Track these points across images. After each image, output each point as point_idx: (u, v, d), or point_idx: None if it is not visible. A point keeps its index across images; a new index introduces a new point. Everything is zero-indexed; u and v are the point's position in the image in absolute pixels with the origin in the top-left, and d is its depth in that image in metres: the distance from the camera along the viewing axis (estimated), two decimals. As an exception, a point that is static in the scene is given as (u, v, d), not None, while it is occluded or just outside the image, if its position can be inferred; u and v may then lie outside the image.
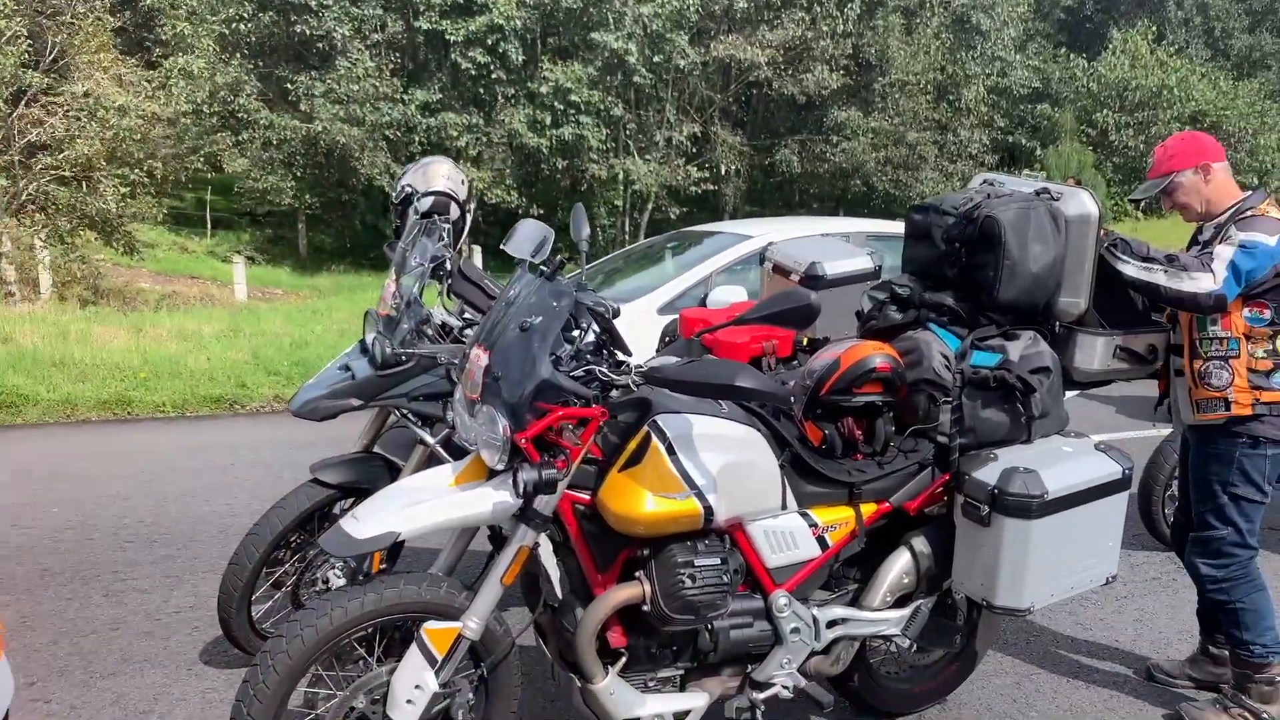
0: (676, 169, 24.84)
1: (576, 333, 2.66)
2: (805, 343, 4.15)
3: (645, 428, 2.61)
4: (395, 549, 3.53)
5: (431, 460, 3.63)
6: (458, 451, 3.49)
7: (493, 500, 2.51)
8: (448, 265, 3.74)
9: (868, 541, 3.03)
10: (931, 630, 3.11)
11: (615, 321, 2.75)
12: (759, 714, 2.93)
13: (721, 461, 2.65)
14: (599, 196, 24.25)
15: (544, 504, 2.52)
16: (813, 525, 2.90)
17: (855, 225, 7.48)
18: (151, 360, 9.68)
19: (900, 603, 3.07)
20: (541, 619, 2.88)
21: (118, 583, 4.53)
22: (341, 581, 3.67)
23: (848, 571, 3.13)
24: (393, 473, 3.69)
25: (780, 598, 2.87)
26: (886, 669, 3.45)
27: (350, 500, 3.70)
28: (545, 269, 2.58)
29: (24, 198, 14.28)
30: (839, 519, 2.94)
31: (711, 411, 2.72)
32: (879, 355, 2.90)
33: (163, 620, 4.14)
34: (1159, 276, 3.18)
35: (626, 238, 24.93)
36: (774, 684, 2.92)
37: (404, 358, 3.47)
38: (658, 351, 4.50)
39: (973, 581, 2.98)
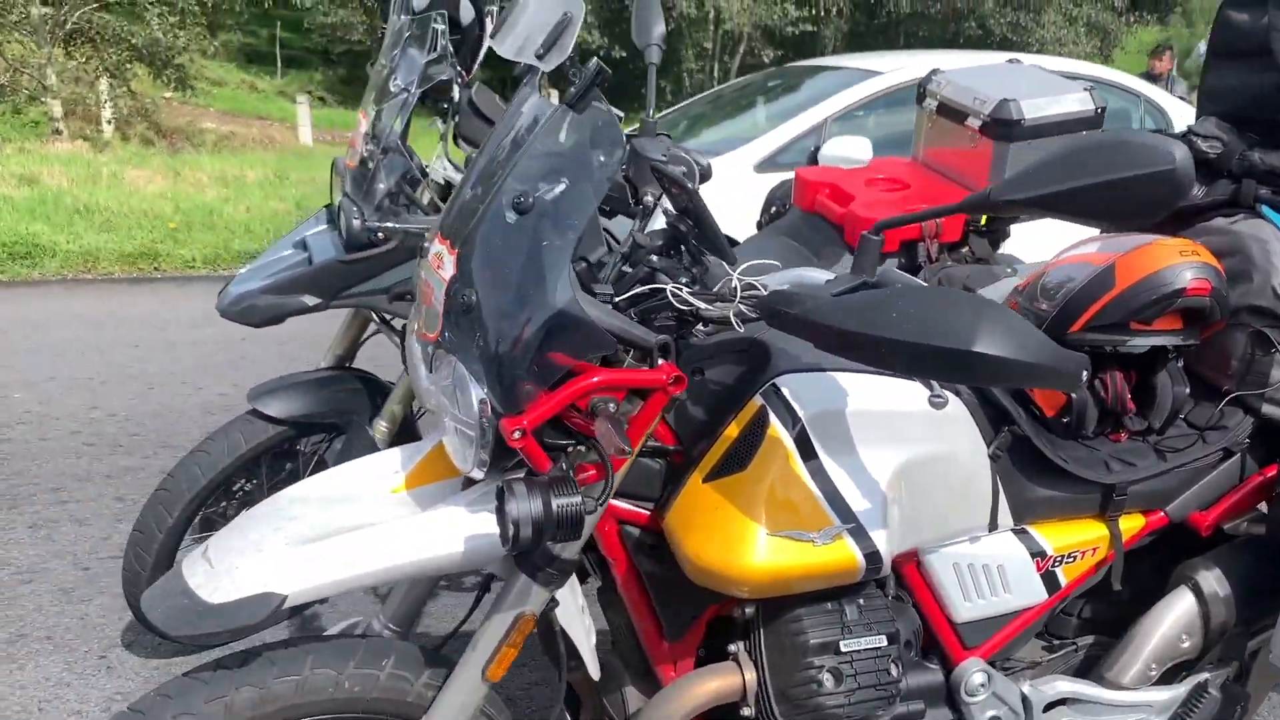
0: (773, 6, 22.79)
1: (624, 220, 1.41)
2: (984, 221, 2.83)
3: (756, 399, 1.39)
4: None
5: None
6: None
7: (466, 532, 1.33)
8: (455, 94, 2.47)
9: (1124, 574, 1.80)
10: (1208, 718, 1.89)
11: (705, 190, 1.49)
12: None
13: (898, 463, 1.44)
14: (687, 38, 22.48)
15: (565, 545, 1.33)
16: (1037, 553, 1.69)
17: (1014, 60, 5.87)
18: (185, 209, 8.77)
19: (1168, 676, 1.85)
20: (575, 678, 1.74)
21: (54, 506, 3.53)
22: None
23: (1081, 617, 1.91)
24: (375, 400, 2.54)
25: (974, 673, 1.68)
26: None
27: (320, 437, 2.57)
28: (571, 84, 1.27)
29: (69, 26, 13.14)
30: (1083, 541, 1.73)
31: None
32: (1188, 265, 1.61)
33: (91, 571, 3.12)
34: None
35: (715, 84, 23.20)
36: (950, 801, 1.76)
37: (381, 235, 2.27)
38: (759, 226, 3.21)
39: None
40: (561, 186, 1.23)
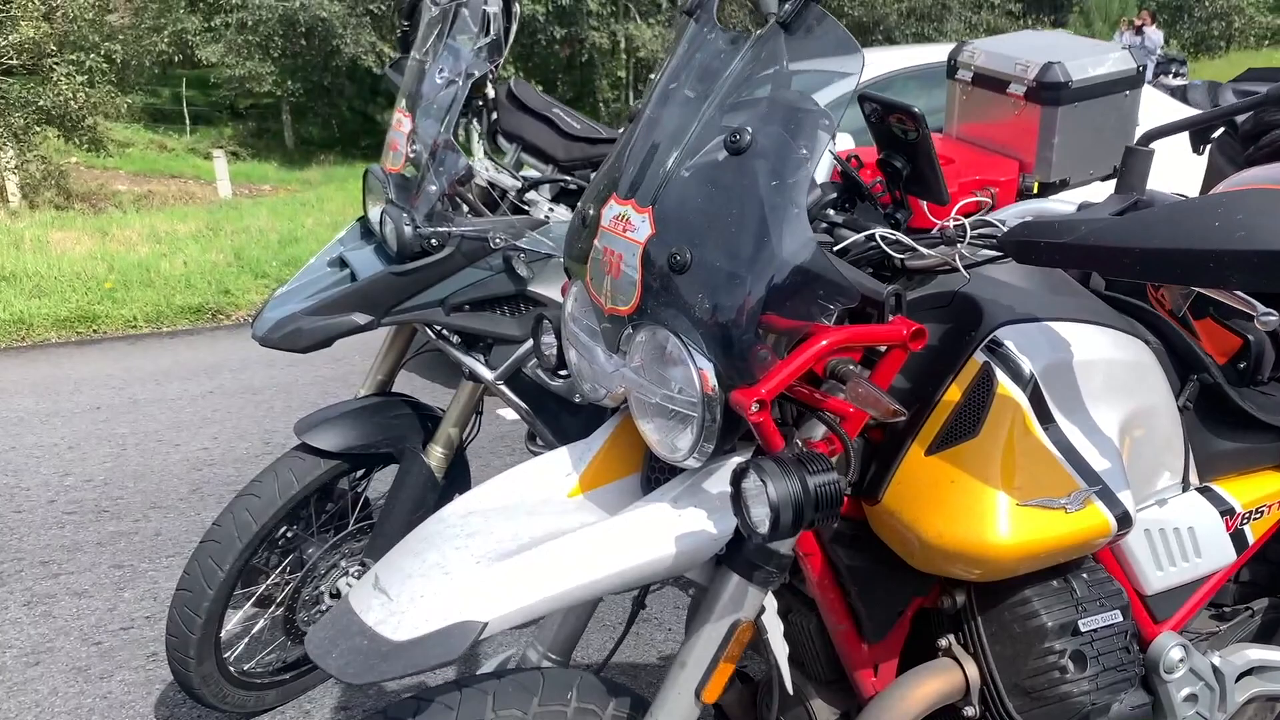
0: (685, 31, 22.97)
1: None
2: (1035, 188, 2.73)
3: (977, 356, 1.24)
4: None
5: (484, 405, 2.28)
6: (535, 394, 2.14)
7: (675, 532, 1.15)
8: (489, 90, 2.31)
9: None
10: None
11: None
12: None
13: (1121, 417, 1.31)
14: (600, 69, 22.57)
15: (781, 541, 1.16)
16: (1226, 511, 1.56)
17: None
18: (120, 267, 8.37)
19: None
20: (728, 701, 1.57)
21: (46, 581, 3.23)
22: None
23: (1250, 577, 1.79)
24: (425, 426, 2.34)
25: (1172, 648, 1.55)
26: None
27: (361, 473, 2.37)
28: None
29: (-32, 93, 12.62)
30: (1268, 494, 1.62)
31: (1076, 312, 1.34)
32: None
33: (104, 646, 2.84)
34: None
35: (634, 111, 23.34)
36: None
37: (435, 241, 2.09)
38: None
39: None
40: (782, 116, 1.07)
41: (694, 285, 1.08)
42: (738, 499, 1.06)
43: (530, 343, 2.19)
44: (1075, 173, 2.39)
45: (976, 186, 2.20)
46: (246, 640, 2.45)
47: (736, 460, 1.18)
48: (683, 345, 1.09)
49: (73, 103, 13.27)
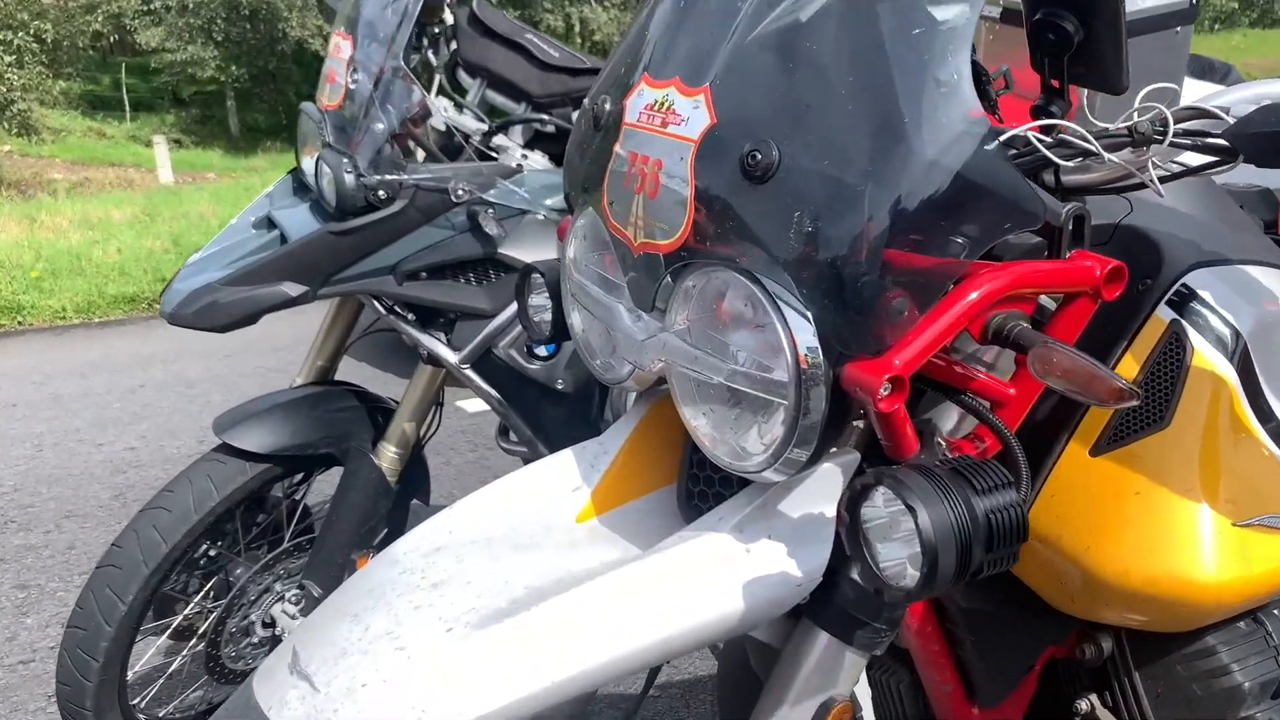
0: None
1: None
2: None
3: (1160, 312, 0.87)
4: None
5: (446, 395, 1.90)
6: (508, 380, 1.77)
7: (743, 577, 0.77)
8: (447, 14, 1.91)
9: None
10: None
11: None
12: None
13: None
14: (557, 53, 22.30)
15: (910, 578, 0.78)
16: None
17: None
18: (48, 255, 7.87)
19: None
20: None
21: (-61, 605, 2.78)
22: (295, 620, 1.99)
23: None
24: (375, 420, 1.95)
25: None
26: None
27: (299, 478, 1.98)
28: None
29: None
30: None
31: (1267, 254, 0.98)
32: None
33: (2, 684, 2.40)
34: None
35: (591, 94, 23.21)
36: None
37: (384, 193, 1.69)
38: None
39: None
40: None
41: (783, 200, 0.70)
42: (855, 532, 0.68)
43: (501, 317, 1.80)
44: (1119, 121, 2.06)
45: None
46: (163, 679, 2.04)
47: (827, 469, 0.80)
48: (764, 294, 0.71)
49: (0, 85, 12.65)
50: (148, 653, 1.98)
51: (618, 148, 0.83)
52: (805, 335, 0.70)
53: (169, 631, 1.97)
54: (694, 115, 0.75)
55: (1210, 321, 0.87)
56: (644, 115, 0.79)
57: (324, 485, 2.09)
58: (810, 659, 0.83)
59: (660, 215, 0.78)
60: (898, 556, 0.67)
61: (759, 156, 0.70)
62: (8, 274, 7.30)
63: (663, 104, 0.78)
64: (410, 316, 1.87)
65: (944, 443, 0.75)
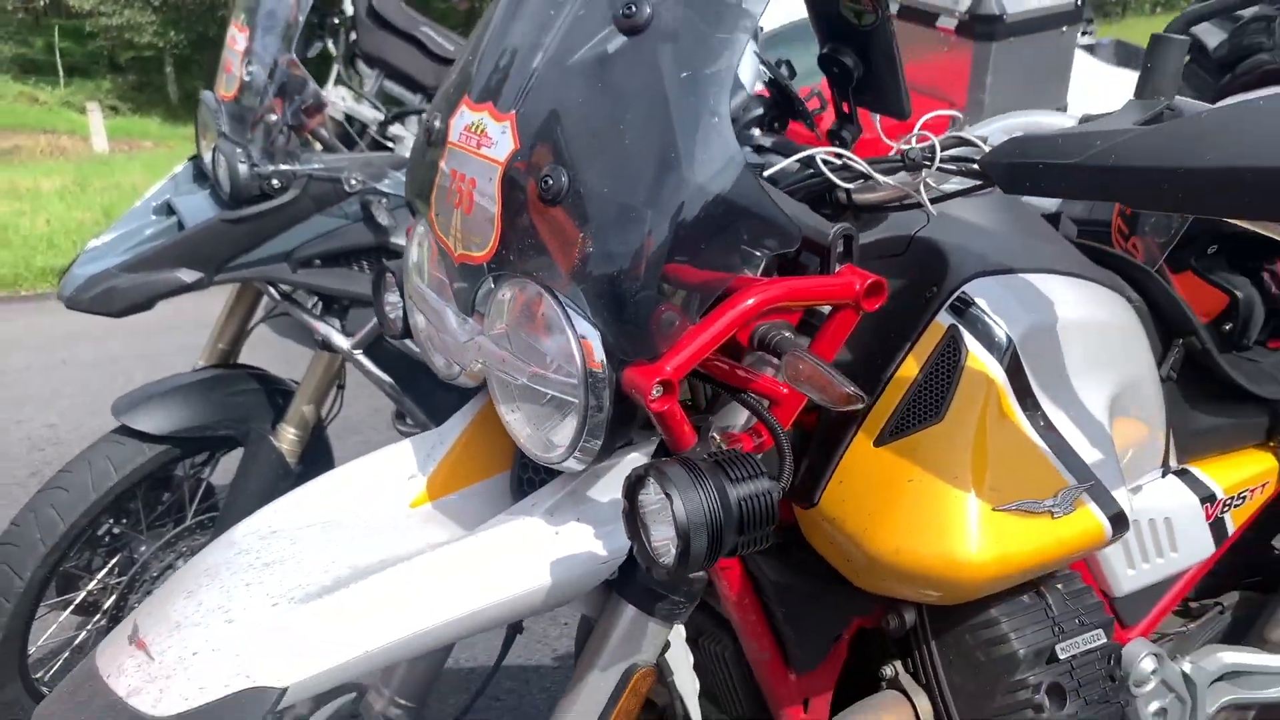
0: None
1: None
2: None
3: (940, 318, 0.97)
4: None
5: (344, 378, 1.97)
6: (401, 366, 1.83)
7: (550, 556, 0.86)
8: (346, 5, 1.96)
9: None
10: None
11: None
12: None
13: (1109, 394, 1.05)
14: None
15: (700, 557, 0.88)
16: (1206, 498, 1.34)
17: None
18: (-29, 226, 7.73)
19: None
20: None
21: None
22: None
23: (1215, 574, 1.58)
24: (275, 402, 2.01)
25: (1144, 659, 1.31)
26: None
27: (204, 457, 2.03)
28: None
29: None
30: (1250, 477, 1.41)
31: (1063, 262, 1.08)
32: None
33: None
34: None
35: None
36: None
37: (277, 182, 1.75)
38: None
39: None
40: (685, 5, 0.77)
41: (572, 221, 0.78)
42: (633, 516, 0.77)
43: (395, 304, 1.87)
44: (1016, 106, 2.18)
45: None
46: (69, 653, 2.09)
47: (633, 458, 0.89)
48: (558, 305, 0.79)
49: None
50: (51, 628, 2.03)
51: (442, 164, 0.90)
52: (593, 343, 0.79)
53: (73, 607, 2.02)
54: (501, 140, 0.82)
55: (984, 326, 0.97)
56: (464, 136, 0.87)
57: (230, 463, 2.15)
58: (618, 629, 0.92)
59: (474, 229, 0.85)
60: (665, 537, 0.75)
61: (550, 182, 0.78)
62: (-70, 246, 7.19)
63: (478, 127, 0.85)
64: (311, 302, 1.93)
65: (717, 437, 0.84)
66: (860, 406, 0.78)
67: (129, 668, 0.80)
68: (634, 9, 0.76)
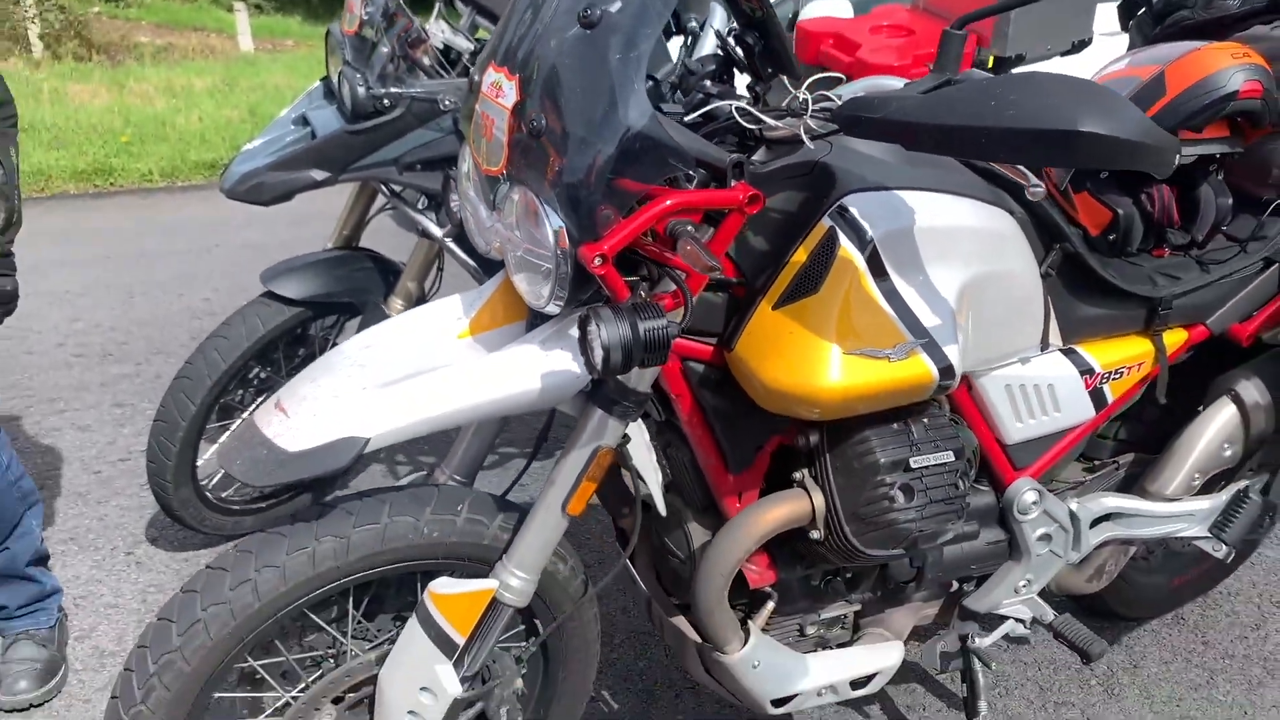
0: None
1: (680, 36, 1.37)
2: (990, 63, 2.80)
3: (824, 221, 1.37)
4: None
5: (442, 261, 2.44)
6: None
7: (542, 369, 1.31)
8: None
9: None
10: (1246, 525, 1.94)
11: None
12: (978, 664, 1.84)
13: (962, 280, 1.44)
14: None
15: (640, 377, 1.33)
16: (1086, 371, 1.70)
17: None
18: (136, 121, 8.46)
19: (1208, 486, 1.90)
20: (625, 523, 1.76)
21: (52, 416, 3.46)
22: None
23: (1122, 435, 1.94)
24: (387, 279, 2.50)
25: (1026, 492, 1.72)
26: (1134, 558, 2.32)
27: (333, 320, 2.54)
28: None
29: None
30: (1128, 357, 1.75)
31: (934, 182, 1.46)
32: (1240, 68, 1.60)
33: (103, 475, 3.08)
34: None
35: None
36: (1003, 617, 1.81)
37: (388, 101, 2.20)
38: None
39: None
40: (622, 2, 1.18)
41: (548, 151, 1.21)
42: (584, 341, 1.21)
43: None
44: (1032, 47, 2.45)
45: (930, 59, 2.27)
46: (224, 471, 2.66)
47: None
48: (540, 204, 1.23)
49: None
50: (212, 449, 2.60)
51: (476, 106, 1.34)
52: (562, 230, 1.22)
53: (229, 434, 2.59)
54: (509, 93, 1.25)
55: (853, 227, 1.36)
56: (490, 88, 1.30)
57: (353, 328, 2.66)
58: (590, 422, 1.37)
59: (491, 152, 1.29)
60: (597, 354, 1.19)
61: (535, 124, 1.21)
62: (100, 138, 7.92)
63: (496, 83, 1.28)
64: (417, 199, 2.40)
65: (643, 293, 1.27)
66: (717, 275, 1.20)
67: (274, 421, 1.29)
68: (590, 13, 1.18)
